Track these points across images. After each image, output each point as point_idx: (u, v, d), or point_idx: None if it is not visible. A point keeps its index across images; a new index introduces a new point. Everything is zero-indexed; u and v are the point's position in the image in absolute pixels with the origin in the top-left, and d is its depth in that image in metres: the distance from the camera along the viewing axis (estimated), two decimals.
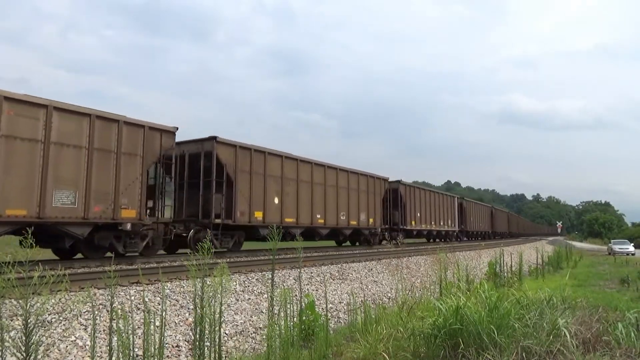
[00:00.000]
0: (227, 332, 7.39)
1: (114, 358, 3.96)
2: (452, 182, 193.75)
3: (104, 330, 6.18)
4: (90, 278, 8.44)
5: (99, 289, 7.43)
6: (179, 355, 6.44)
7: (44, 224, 10.82)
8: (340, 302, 10.41)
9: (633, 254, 36.69)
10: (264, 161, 17.37)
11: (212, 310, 4.51)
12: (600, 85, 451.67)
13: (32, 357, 3.47)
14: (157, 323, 5.42)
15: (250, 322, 8.07)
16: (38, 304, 3.50)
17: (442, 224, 35.49)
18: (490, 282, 10.59)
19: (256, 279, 10.10)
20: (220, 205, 15.42)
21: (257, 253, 16.76)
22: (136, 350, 4.26)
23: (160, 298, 7.11)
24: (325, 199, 20.84)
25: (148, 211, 13.75)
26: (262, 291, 9.41)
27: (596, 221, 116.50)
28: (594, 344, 5.20)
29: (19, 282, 3.41)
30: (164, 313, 4.57)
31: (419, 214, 30.90)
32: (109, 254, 12.56)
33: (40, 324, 3.54)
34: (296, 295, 6.57)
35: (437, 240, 35.95)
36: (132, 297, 7.48)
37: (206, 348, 4.47)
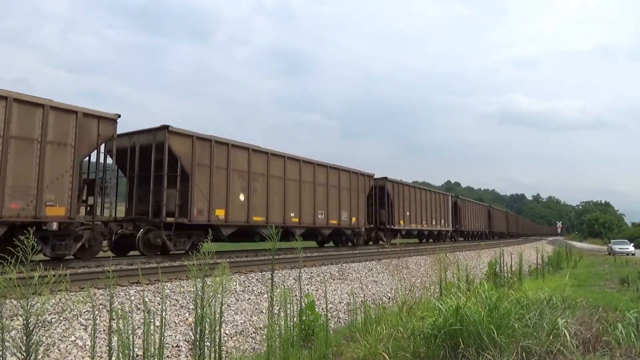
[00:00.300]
0: (227, 332, 7.39)
1: (114, 358, 3.96)
2: (452, 182, 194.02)
3: (104, 330, 6.18)
4: (90, 278, 8.45)
5: (99, 289, 7.44)
6: (179, 355, 6.44)
7: None
8: (340, 302, 10.41)
9: (633, 254, 36.69)
10: (227, 154, 15.78)
11: (212, 310, 4.51)
12: (600, 85, 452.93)
13: (32, 357, 3.47)
14: (157, 323, 5.42)
15: (250, 322, 8.07)
16: (38, 304, 3.50)
17: (434, 223, 34.00)
18: (490, 282, 10.59)
19: (256, 279, 10.10)
20: (175, 202, 13.96)
21: (257, 253, 16.77)
22: (136, 350, 4.26)
23: (160, 298, 7.11)
24: (301, 196, 19.29)
25: (87, 209, 12.36)
26: (262, 291, 9.41)
27: (596, 221, 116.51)
28: (594, 344, 5.19)
29: (19, 281, 3.41)
30: (164, 313, 4.57)
31: (408, 213, 29.49)
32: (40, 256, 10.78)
33: (40, 324, 3.54)
34: (296, 295, 6.57)
35: (431, 240, 34.75)
36: (132, 297, 7.48)
37: (206, 348, 4.46)
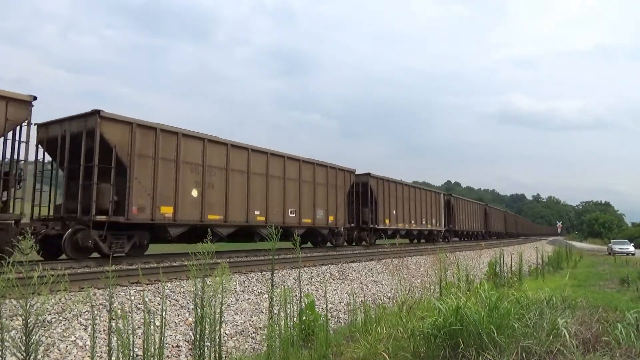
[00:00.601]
0: (227, 332, 7.39)
1: (113, 358, 3.96)
2: (452, 182, 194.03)
3: (103, 330, 6.18)
4: (90, 278, 8.45)
5: (98, 289, 7.44)
6: (179, 355, 6.44)
7: None
8: (340, 302, 10.41)
9: (633, 254, 36.69)
10: (176, 144, 14.12)
11: (212, 310, 4.51)
12: (600, 85, 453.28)
13: (32, 357, 3.46)
14: (157, 323, 5.42)
15: (250, 322, 8.07)
16: (38, 304, 3.50)
17: (424, 222, 32.19)
18: (490, 282, 10.58)
19: (256, 279, 10.10)
20: (109, 198, 12.32)
21: (257, 253, 16.78)
22: (136, 350, 4.26)
23: (160, 298, 7.11)
24: (268, 192, 17.58)
25: (1, 205, 10.82)
26: (262, 291, 9.41)
27: (596, 221, 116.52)
28: (593, 344, 5.19)
29: (19, 281, 3.41)
30: (164, 313, 4.57)
31: (394, 212, 27.58)
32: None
33: (40, 324, 3.54)
34: (296, 295, 6.56)
35: (422, 240, 33.73)
36: (132, 297, 7.48)
37: (206, 348, 4.46)
